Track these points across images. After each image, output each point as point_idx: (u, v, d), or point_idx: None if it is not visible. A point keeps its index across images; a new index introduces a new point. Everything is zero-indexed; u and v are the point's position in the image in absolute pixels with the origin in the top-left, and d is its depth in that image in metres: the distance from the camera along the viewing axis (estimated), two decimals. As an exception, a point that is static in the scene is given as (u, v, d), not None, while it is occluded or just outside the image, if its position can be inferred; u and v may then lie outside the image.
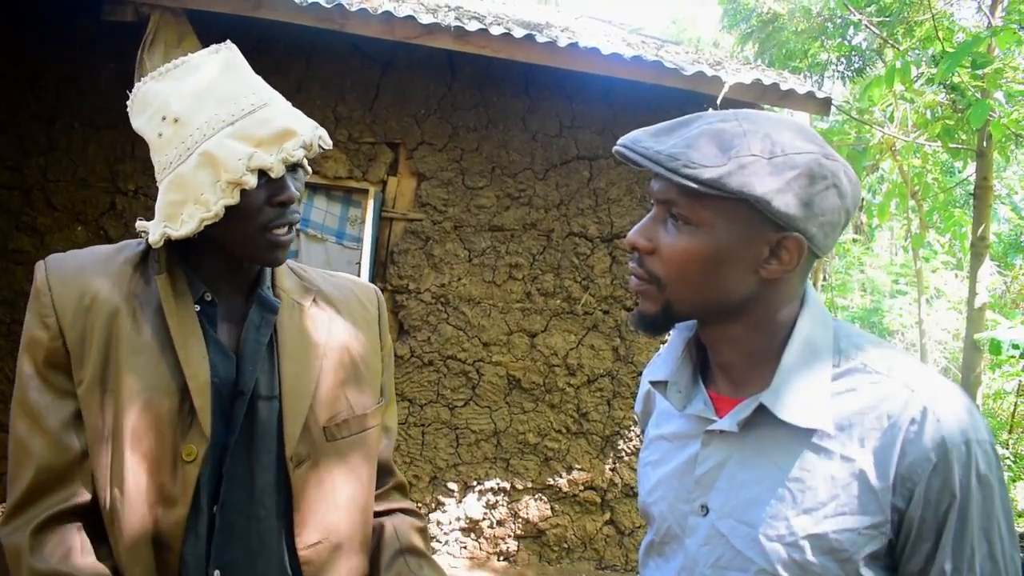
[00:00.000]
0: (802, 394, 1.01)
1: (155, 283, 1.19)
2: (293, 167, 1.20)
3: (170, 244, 1.20)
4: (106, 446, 1.13)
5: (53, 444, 1.13)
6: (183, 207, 1.13)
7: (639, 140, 1.02)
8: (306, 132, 1.16)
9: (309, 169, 1.28)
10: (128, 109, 1.23)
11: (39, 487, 1.12)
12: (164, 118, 1.15)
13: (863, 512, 0.97)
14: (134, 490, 1.12)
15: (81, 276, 1.18)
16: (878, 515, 0.96)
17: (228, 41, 1.23)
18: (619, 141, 1.05)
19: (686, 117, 1.04)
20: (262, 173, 1.13)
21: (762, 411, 1.02)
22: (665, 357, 1.18)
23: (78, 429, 1.14)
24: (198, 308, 1.20)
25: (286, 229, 1.20)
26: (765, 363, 1.06)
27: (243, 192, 1.11)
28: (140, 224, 1.20)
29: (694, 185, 0.95)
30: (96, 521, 1.16)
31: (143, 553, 1.13)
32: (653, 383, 1.17)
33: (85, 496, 1.14)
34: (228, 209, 1.12)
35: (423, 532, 1.42)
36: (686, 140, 0.99)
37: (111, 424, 1.13)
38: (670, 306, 1.05)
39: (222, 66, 1.19)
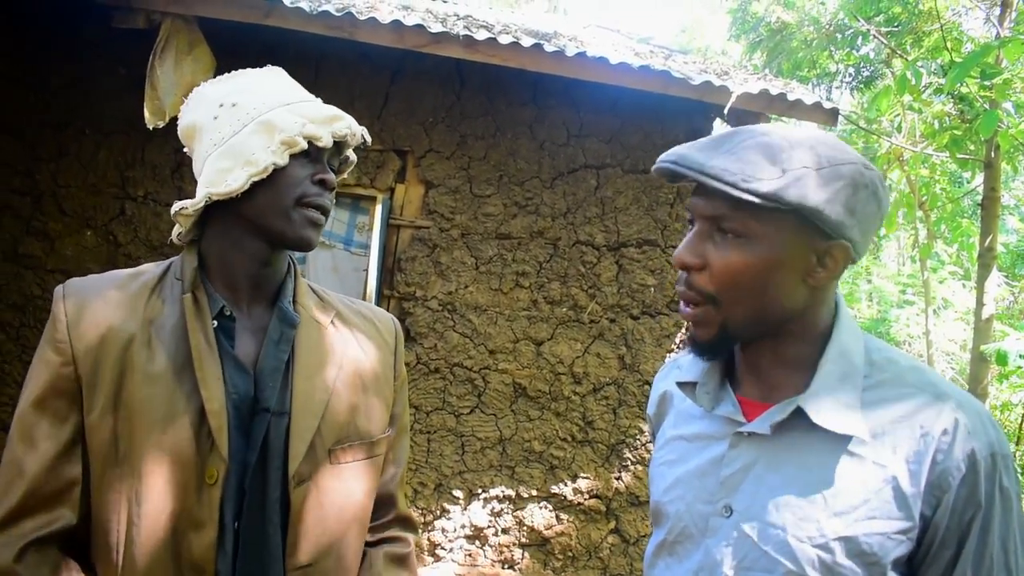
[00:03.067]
0: (837, 401, 1.04)
1: (173, 304, 1.22)
2: (331, 165, 1.30)
3: (195, 257, 1.25)
4: (120, 474, 1.15)
5: (46, 469, 1.14)
6: (230, 173, 1.19)
7: (688, 156, 1.04)
8: (352, 121, 1.29)
9: (334, 181, 1.32)
10: (181, 113, 1.31)
11: (26, 508, 1.14)
12: (222, 105, 1.24)
13: (894, 517, 0.99)
14: (158, 516, 1.14)
15: (98, 304, 1.20)
16: (908, 520, 0.99)
17: (279, 68, 1.36)
18: (663, 158, 1.06)
19: (726, 132, 1.07)
20: (310, 149, 1.22)
21: (795, 415, 1.05)
22: (693, 360, 1.20)
23: (74, 456, 1.16)
24: (216, 324, 1.22)
25: (320, 211, 1.26)
26: (799, 370, 1.09)
27: (289, 159, 1.20)
28: (177, 204, 1.23)
29: (753, 199, 0.98)
30: (83, 547, 1.18)
31: None
32: (680, 384, 1.19)
33: (71, 520, 1.15)
34: (272, 176, 1.19)
35: (402, 561, 1.40)
36: (736, 155, 1.01)
37: (125, 452, 1.14)
38: (727, 326, 1.07)
39: (275, 74, 1.32)
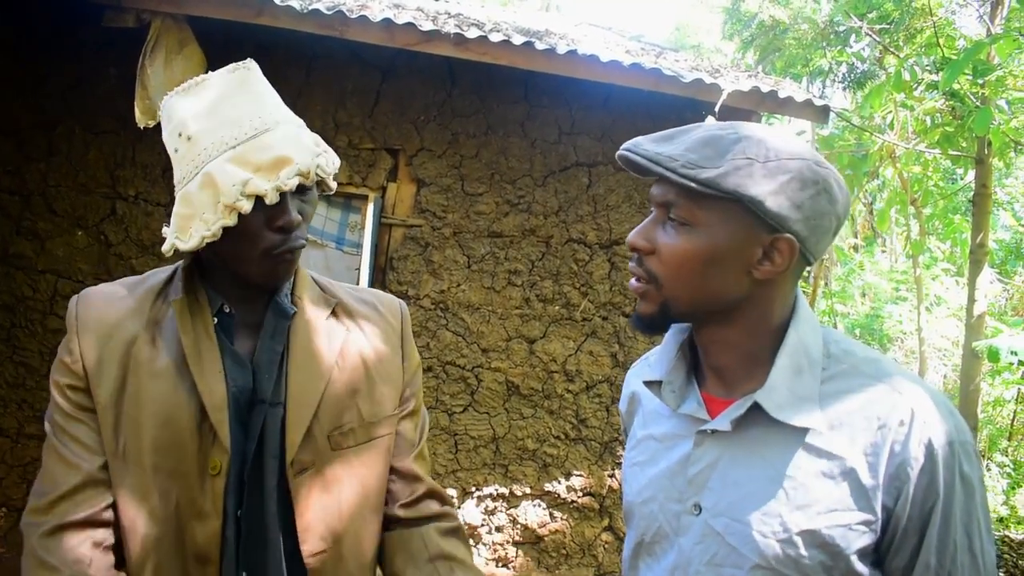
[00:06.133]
0: (795, 394, 1.05)
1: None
2: (302, 189, 1.23)
3: (193, 260, 1.28)
4: (122, 466, 1.20)
5: (77, 456, 1.21)
6: (191, 221, 1.18)
7: (640, 144, 1.08)
8: (303, 160, 1.19)
9: (333, 185, 1.32)
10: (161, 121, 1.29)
11: (66, 494, 1.19)
12: (180, 135, 1.21)
13: (854, 508, 1.00)
14: (161, 507, 1.19)
15: (105, 306, 1.26)
16: (868, 512, 1.00)
17: (250, 59, 1.28)
18: (622, 146, 1.10)
19: (687, 126, 1.10)
20: (259, 198, 1.16)
21: (755, 411, 1.06)
22: (659, 358, 1.22)
23: (98, 444, 1.22)
24: (216, 320, 1.26)
25: (289, 254, 1.24)
26: (757, 365, 1.10)
27: (241, 215, 1.16)
28: (165, 231, 1.24)
29: (692, 184, 1.01)
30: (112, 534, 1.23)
31: (175, 567, 1.19)
32: (647, 383, 1.20)
33: (107, 502, 1.21)
34: (229, 230, 1.16)
35: (455, 534, 1.40)
36: (685, 144, 1.04)
37: (126, 445, 1.20)
38: (668, 306, 1.09)
39: (236, 86, 1.23)
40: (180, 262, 1.31)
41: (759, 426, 1.07)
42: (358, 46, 4.21)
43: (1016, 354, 4.89)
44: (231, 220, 1.15)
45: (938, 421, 1.01)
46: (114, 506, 1.20)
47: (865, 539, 1.00)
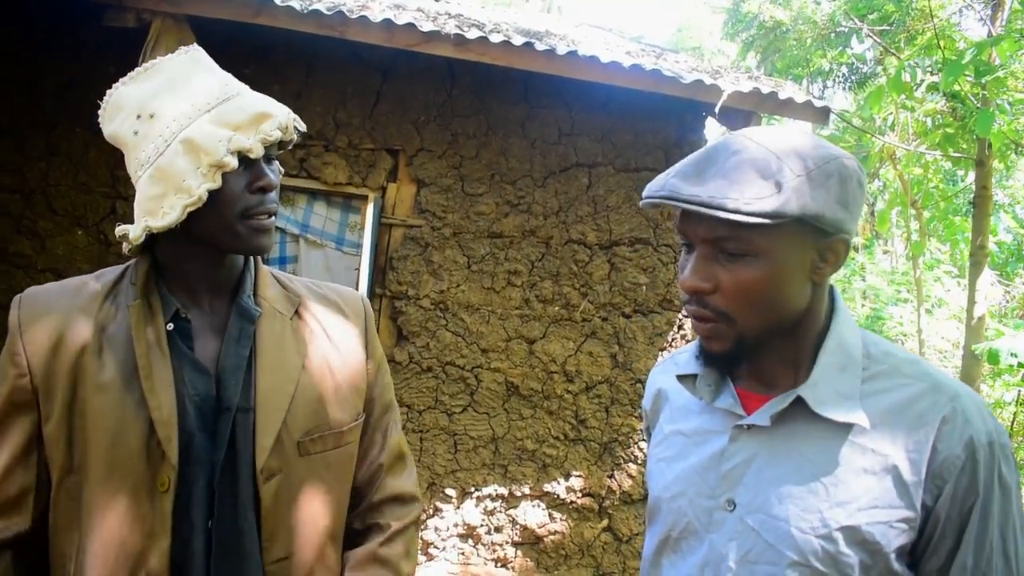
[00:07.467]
0: (837, 391, 1.06)
1: (126, 310, 1.19)
2: (268, 160, 1.21)
3: (148, 263, 1.22)
4: (75, 482, 1.15)
5: (2, 477, 1.16)
6: (164, 200, 1.14)
7: (678, 189, 1.02)
8: (281, 114, 1.19)
9: (280, 169, 1.29)
10: (100, 119, 1.24)
11: None
12: (139, 116, 1.16)
13: (895, 505, 1.01)
14: (111, 526, 1.14)
15: (50, 313, 1.19)
16: (909, 510, 1.00)
17: (194, 44, 1.26)
18: (651, 192, 1.05)
19: (704, 153, 1.05)
20: (242, 158, 1.15)
21: (795, 407, 1.06)
22: (690, 356, 1.20)
23: (28, 464, 1.17)
24: (172, 327, 1.20)
25: (267, 216, 1.21)
26: (797, 362, 1.11)
27: (224, 177, 1.13)
28: (120, 228, 1.20)
29: (761, 220, 0.97)
30: (40, 552, 1.19)
31: None
32: (681, 377, 1.20)
33: (23, 527, 1.17)
34: (209, 196, 1.13)
35: (374, 560, 1.34)
36: (727, 178, 1.00)
37: (80, 461, 1.15)
38: (743, 339, 1.07)
39: (191, 63, 1.21)
40: (131, 262, 1.26)
41: (799, 422, 1.07)
42: (358, 46, 4.21)
43: (1016, 356, 4.88)
44: (216, 182, 1.12)
45: (979, 421, 1.02)
46: (66, 523, 1.16)
47: (904, 537, 1.00)
